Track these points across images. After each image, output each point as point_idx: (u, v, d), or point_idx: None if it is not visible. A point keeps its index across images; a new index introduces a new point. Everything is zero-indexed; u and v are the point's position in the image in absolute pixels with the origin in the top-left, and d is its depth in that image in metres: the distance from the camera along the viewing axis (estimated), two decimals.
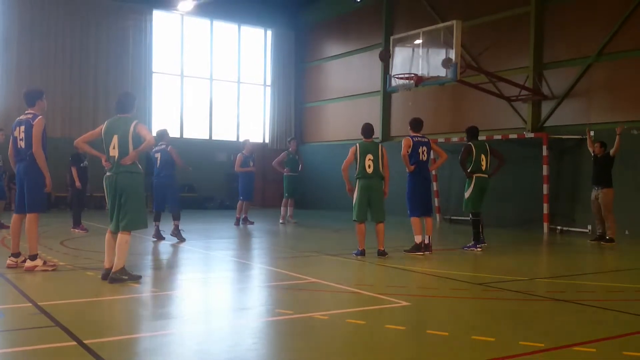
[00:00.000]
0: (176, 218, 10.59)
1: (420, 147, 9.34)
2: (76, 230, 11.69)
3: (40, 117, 7.14)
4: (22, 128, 7.10)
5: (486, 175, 10.13)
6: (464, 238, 11.09)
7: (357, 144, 9.02)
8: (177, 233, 10.47)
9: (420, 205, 9.42)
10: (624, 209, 13.00)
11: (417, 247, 9.24)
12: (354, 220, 9.02)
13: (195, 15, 20.96)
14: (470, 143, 10.18)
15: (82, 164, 12.05)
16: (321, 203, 21.00)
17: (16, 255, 7.35)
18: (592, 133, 12.36)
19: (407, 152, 9.25)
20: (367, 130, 9.18)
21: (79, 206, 12.20)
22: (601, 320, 5.34)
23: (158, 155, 10.60)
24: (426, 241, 9.36)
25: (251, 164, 13.94)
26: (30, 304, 5.36)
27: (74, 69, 19.01)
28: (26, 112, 7.23)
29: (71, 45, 18.95)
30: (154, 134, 10.84)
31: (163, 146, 10.59)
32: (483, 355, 4.07)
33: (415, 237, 9.30)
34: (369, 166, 8.84)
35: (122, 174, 6.53)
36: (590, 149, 11.89)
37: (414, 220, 9.35)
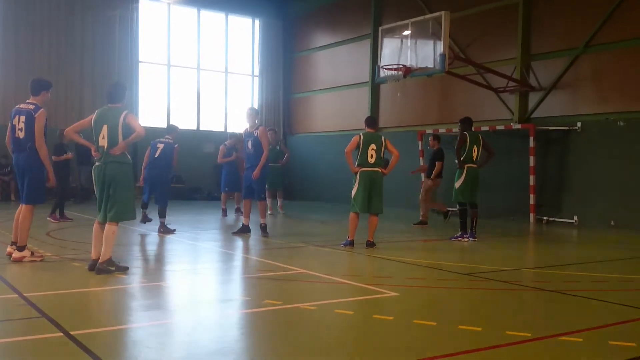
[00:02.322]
0: (162, 215, 10.47)
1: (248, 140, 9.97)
2: (52, 220, 11.55)
3: (43, 109, 7.06)
4: (22, 118, 7.00)
5: (476, 165, 10.18)
6: (451, 229, 11.15)
7: (361, 134, 8.99)
8: (165, 229, 10.41)
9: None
10: (611, 200, 13.13)
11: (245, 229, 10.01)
12: (353, 211, 8.99)
13: (182, 4, 20.78)
14: (465, 133, 10.19)
15: (63, 155, 11.91)
16: (309, 194, 21.00)
17: (16, 244, 7.27)
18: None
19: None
20: (372, 121, 9.30)
21: (61, 197, 12.03)
22: (587, 310, 5.39)
23: (161, 146, 10.52)
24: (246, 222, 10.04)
25: (234, 154, 13.94)
26: (16, 295, 5.31)
27: (60, 59, 18.79)
28: (27, 101, 7.13)
29: (57, 34, 18.72)
30: (166, 125, 10.97)
31: (170, 141, 10.63)
32: (470, 345, 4.09)
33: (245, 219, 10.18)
34: (372, 156, 8.84)
35: (111, 164, 6.48)
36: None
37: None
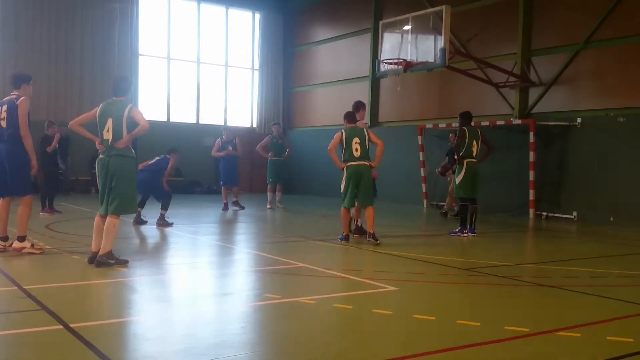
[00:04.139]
0: (164, 208, 10.53)
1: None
2: (45, 214, 11.52)
3: (25, 97, 7.06)
4: (4, 107, 7.03)
5: (475, 160, 10.17)
6: (451, 223, 11.15)
7: (343, 130, 9.00)
8: (163, 222, 10.42)
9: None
10: (610, 196, 13.14)
11: (359, 230, 9.49)
12: (344, 206, 9.00)
13: None
14: (464, 128, 10.17)
15: (49, 146, 11.87)
16: (308, 188, 21.00)
17: (4, 239, 7.28)
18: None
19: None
20: (351, 116, 9.20)
21: (49, 189, 11.98)
22: (585, 305, 5.41)
23: (157, 157, 10.79)
24: (358, 224, 9.63)
25: (230, 148, 13.91)
26: (16, 288, 5.32)
27: (60, 52, 18.75)
28: (11, 93, 7.16)
29: (56, 28, 18.68)
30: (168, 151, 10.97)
31: (169, 155, 10.77)
32: (468, 340, 4.10)
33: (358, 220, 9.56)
34: (357, 149, 8.82)
35: (115, 157, 6.50)
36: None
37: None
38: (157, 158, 10.88)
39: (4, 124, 7.01)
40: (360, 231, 9.46)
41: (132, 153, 6.68)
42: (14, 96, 7.07)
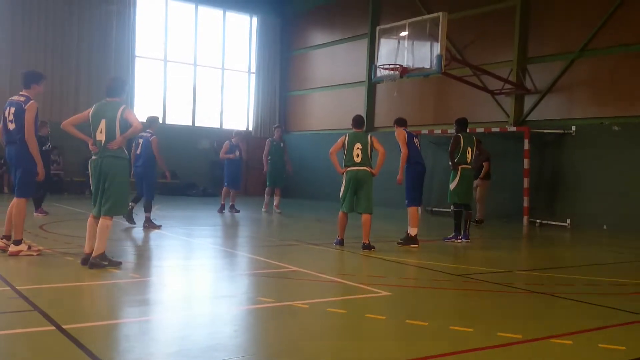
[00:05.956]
0: (147, 210, 10.36)
1: (414, 137, 9.71)
2: (39, 215, 11.47)
3: (33, 101, 7.00)
4: (12, 110, 6.97)
5: (470, 167, 10.19)
6: (445, 229, 11.17)
7: (347, 134, 8.98)
8: (149, 224, 10.32)
9: (419, 195, 9.67)
10: (603, 204, 13.20)
11: (412, 240, 9.22)
12: (342, 211, 8.97)
13: None
14: (459, 134, 10.19)
15: (43, 147, 11.81)
16: (304, 192, 21.00)
17: (8, 237, 7.23)
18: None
19: (406, 143, 9.41)
20: (358, 120, 9.18)
21: (42, 190, 11.93)
22: (578, 312, 5.42)
23: (140, 141, 10.41)
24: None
25: (237, 152, 13.94)
26: (9, 288, 5.30)
27: (56, 53, 18.75)
28: (20, 93, 7.10)
29: (53, 28, 18.68)
30: (145, 119, 10.64)
31: (148, 134, 10.38)
32: (461, 346, 4.10)
33: (411, 229, 9.25)
34: (357, 155, 8.79)
35: (108, 158, 6.48)
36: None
37: (413, 211, 9.35)
38: (139, 142, 10.34)
39: (12, 126, 6.96)
40: (412, 241, 9.26)
41: (125, 154, 6.67)
42: (23, 99, 6.98)
